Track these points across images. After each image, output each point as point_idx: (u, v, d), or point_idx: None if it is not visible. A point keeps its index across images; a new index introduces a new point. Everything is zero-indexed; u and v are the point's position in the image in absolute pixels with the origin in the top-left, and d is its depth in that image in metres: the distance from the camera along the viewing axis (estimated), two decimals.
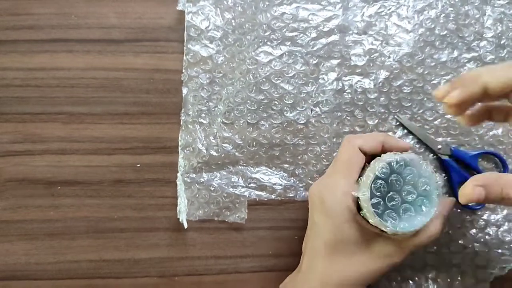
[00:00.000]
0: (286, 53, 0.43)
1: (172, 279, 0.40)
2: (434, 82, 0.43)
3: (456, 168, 0.41)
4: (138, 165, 0.41)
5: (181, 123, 0.42)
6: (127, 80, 0.42)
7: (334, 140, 0.42)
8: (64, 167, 0.41)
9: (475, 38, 0.43)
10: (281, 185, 0.42)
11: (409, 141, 0.43)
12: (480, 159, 0.42)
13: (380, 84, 0.43)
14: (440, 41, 0.43)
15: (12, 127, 0.41)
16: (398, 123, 0.43)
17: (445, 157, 0.42)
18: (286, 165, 0.42)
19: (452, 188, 0.42)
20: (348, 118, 0.42)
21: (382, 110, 0.43)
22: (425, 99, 0.43)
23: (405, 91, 0.43)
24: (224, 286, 0.40)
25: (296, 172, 0.42)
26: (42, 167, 0.41)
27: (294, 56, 0.43)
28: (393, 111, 0.43)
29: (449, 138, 0.43)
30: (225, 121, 0.42)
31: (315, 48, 0.43)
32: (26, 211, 0.40)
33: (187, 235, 0.41)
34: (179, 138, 0.42)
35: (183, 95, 0.42)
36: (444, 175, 0.42)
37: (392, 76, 0.43)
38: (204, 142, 0.42)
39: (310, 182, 0.42)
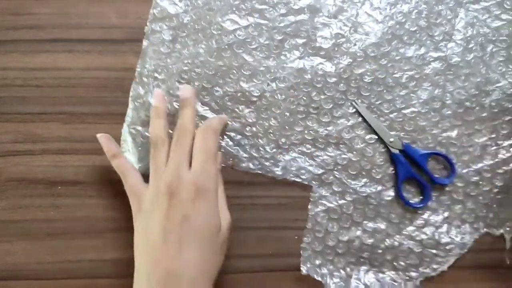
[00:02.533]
0: (253, 25, 0.43)
1: None
2: (396, 75, 0.43)
3: (404, 163, 0.41)
4: (139, 165, 0.41)
5: (136, 74, 0.42)
6: (127, 80, 0.42)
7: (286, 117, 0.42)
8: (65, 167, 0.41)
9: (443, 39, 0.43)
10: (223, 151, 0.41)
11: (362, 130, 0.42)
12: (429, 159, 0.42)
13: (342, 70, 0.43)
14: (408, 36, 0.43)
15: (13, 127, 0.41)
16: (354, 110, 0.42)
17: (395, 151, 0.41)
18: (233, 134, 0.42)
19: (396, 182, 0.41)
20: (304, 98, 0.42)
21: (339, 96, 0.42)
22: (384, 91, 0.43)
23: (365, 80, 0.43)
24: (224, 286, 0.40)
25: (242, 142, 0.42)
26: (42, 167, 0.41)
27: (260, 29, 0.43)
28: (351, 98, 0.42)
29: (403, 133, 0.42)
30: (180, 81, 0.42)
31: (282, 24, 0.43)
32: (26, 211, 0.40)
33: None
34: (131, 89, 0.42)
35: (143, 47, 0.42)
36: (391, 168, 0.42)
37: (355, 63, 0.43)
38: None
39: (254, 154, 0.41)
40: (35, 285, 0.39)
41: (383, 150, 0.42)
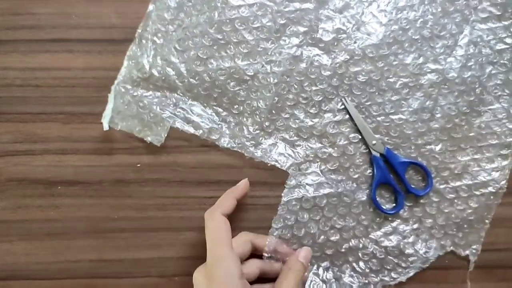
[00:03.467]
0: (258, 4, 0.43)
1: (172, 279, 0.41)
2: (391, 80, 0.43)
3: (382, 167, 0.41)
4: (138, 165, 0.41)
5: (136, 35, 0.42)
6: None
7: (274, 101, 0.42)
8: (64, 167, 0.41)
9: (444, 52, 0.43)
10: (208, 125, 0.41)
11: (347, 128, 0.42)
12: (409, 168, 0.42)
13: (338, 65, 0.43)
14: (409, 44, 0.43)
15: (13, 127, 0.41)
16: (342, 107, 0.42)
17: (376, 154, 0.41)
18: (220, 109, 0.42)
19: (372, 185, 0.41)
20: (295, 86, 0.42)
21: (331, 90, 0.42)
22: (376, 93, 0.42)
23: (359, 79, 0.42)
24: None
25: (227, 119, 0.42)
26: (42, 167, 0.41)
27: (265, 9, 0.43)
28: (341, 94, 0.42)
29: (387, 138, 0.42)
30: (178, 48, 0.42)
31: (287, 9, 0.43)
32: (26, 211, 0.40)
33: (187, 235, 0.41)
34: (129, 49, 0.42)
35: (148, 10, 0.42)
36: (369, 170, 0.42)
37: (352, 61, 0.43)
38: (151, 60, 0.42)
39: (238, 133, 0.41)
40: (35, 285, 0.40)
41: (364, 151, 0.42)
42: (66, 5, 0.42)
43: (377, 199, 0.41)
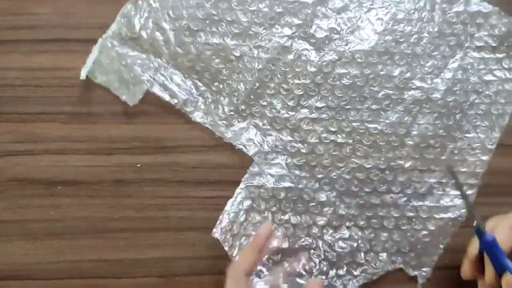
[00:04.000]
0: None
1: (172, 279, 0.41)
2: (374, 89, 0.43)
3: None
4: (138, 165, 0.41)
5: None
6: None
7: (255, 87, 0.42)
8: (64, 167, 0.41)
9: (432, 72, 0.43)
10: (184, 96, 0.41)
11: (320, 127, 0.42)
12: None
13: (324, 63, 0.42)
14: (400, 57, 0.43)
15: (13, 127, 0.41)
16: (321, 105, 0.42)
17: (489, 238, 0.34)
18: (200, 84, 0.42)
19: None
20: (279, 76, 0.42)
21: (312, 87, 0.42)
22: (357, 99, 0.42)
23: (343, 81, 0.42)
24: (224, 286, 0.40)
25: (205, 95, 0.42)
26: (42, 167, 0.41)
27: None
28: (323, 93, 0.42)
29: (358, 145, 0.42)
30: (171, 14, 0.42)
31: None
32: (26, 211, 0.40)
33: (187, 235, 0.41)
34: (124, 6, 0.42)
35: None
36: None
37: (339, 62, 0.43)
38: (142, 22, 0.42)
39: (213, 110, 0.41)
40: (35, 285, 0.40)
41: (333, 153, 0.42)
42: (66, 5, 0.42)
43: None
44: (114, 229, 0.41)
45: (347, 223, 0.42)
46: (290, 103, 0.42)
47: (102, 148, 0.41)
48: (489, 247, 0.33)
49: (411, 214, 0.42)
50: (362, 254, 0.41)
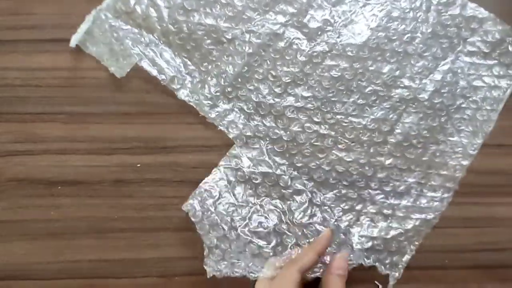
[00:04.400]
0: None
1: (172, 279, 0.40)
2: (362, 83, 0.43)
3: None
4: (138, 165, 0.41)
5: None
6: (127, 79, 0.42)
7: (244, 70, 0.42)
8: (64, 167, 0.41)
9: (422, 72, 0.43)
10: (172, 73, 0.42)
11: (304, 116, 0.42)
12: None
13: (315, 54, 0.43)
14: (391, 54, 0.43)
15: (13, 127, 0.41)
16: (307, 94, 0.42)
17: None
18: (189, 62, 0.42)
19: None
20: (268, 62, 0.43)
21: (301, 76, 0.42)
22: (344, 92, 0.42)
23: (331, 73, 0.43)
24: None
25: (192, 74, 0.42)
26: (42, 167, 0.41)
27: None
28: (310, 83, 0.42)
29: (340, 137, 0.42)
30: None
31: None
32: (26, 211, 0.40)
33: (187, 235, 0.41)
34: None
35: None
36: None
37: (330, 54, 0.43)
38: None
39: (199, 90, 0.42)
40: (35, 285, 0.40)
41: (315, 143, 0.42)
42: (66, 5, 0.43)
43: None
44: (114, 229, 0.41)
45: (322, 213, 0.41)
46: (277, 90, 0.42)
47: (102, 148, 0.41)
48: None
49: (387, 212, 0.42)
50: (337, 244, 0.41)
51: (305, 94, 0.42)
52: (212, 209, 0.40)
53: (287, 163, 0.42)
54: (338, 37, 0.43)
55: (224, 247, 0.40)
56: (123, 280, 0.40)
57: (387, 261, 0.42)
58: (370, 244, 0.42)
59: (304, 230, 0.41)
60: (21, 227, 0.40)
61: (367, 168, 0.42)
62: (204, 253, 0.39)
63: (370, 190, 0.42)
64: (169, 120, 0.42)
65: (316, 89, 0.42)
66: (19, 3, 0.42)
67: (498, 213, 0.42)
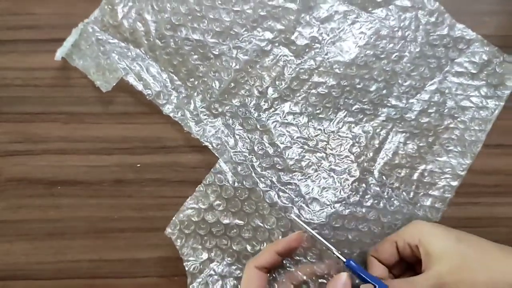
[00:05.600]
0: None
1: (172, 279, 0.40)
2: (350, 101, 0.42)
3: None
4: (138, 165, 0.41)
5: None
6: (127, 79, 0.42)
7: (230, 86, 0.42)
8: (64, 167, 0.41)
9: (409, 92, 0.43)
10: (158, 88, 0.41)
11: (292, 131, 0.42)
12: None
13: (302, 71, 0.42)
14: (378, 73, 0.43)
15: (12, 127, 0.41)
16: (293, 110, 0.42)
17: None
18: (175, 78, 0.42)
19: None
20: (255, 78, 0.42)
21: (288, 92, 0.42)
22: (331, 109, 0.42)
23: (319, 90, 0.42)
24: None
25: (179, 89, 0.42)
26: (42, 167, 0.41)
27: None
28: (299, 100, 0.42)
29: (324, 154, 0.42)
30: (154, 6, 0.42)
31: (270, 3, 0.43)
32: (26, 211, 0.41)
33: None
34: None
35: None
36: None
37: (317, 71, 0.43)
38: (126, 10, 0.42)
39: (184, 105, 0.41)
40: (35, 285, 0.40)
41: (297, 157, 0.41)
42: (66, 5, 0.43)
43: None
44: (114, 229, 0.40)
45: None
46: (264, 105, 0.42)
47: (102, 148, 0.41)
48: (352, 269, 0.35)
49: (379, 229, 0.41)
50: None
51: (292, 110, 0.42)
52: (197, 231, 0.39)
53: (274, 179, 0.41)
54: (326, 54, 0.43)
55: (208, 271, 0.39)
56: (123, 280, 0.40)
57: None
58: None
59: None
60: (21, 227, 0.40)
61: (357, 184, 0.41)
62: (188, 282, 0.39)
63: (363, 209, 0.41)
64: (169, 120, 0.41)
65: (303, 105, 0.42)
66: (19, 3, 0.43)
67: (498, 213, 0.42)
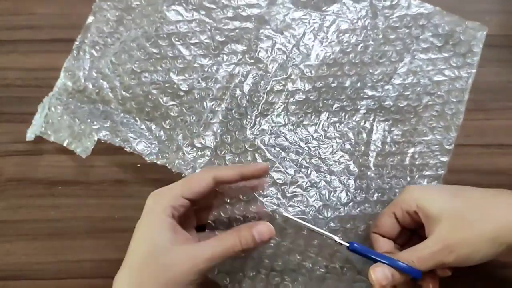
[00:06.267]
0: (197, 20, 0.43)
1: None
2: (329, 102, 0.42)
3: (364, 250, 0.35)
4: (138, 165, 0.41)
5: (74, 47, 0.42)
6: None
7: (208, 118, 0.42)
8: (65, 167, 0.41)
9: (382, 79, 0.43)
10: (137, 139, 0.41)
11: (279, 143, 0.42)
12: None
13: (275, 82, 0.43)
14: (349, 67, 0.43)
15: (13, 127, 0.41)
16: (280, 124, 0.42)
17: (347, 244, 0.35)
18: (152, 124, 0.42)
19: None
20: (231, 103, 0.42)
21: (266, 107, 0.42)
22: (312, 113, 0.42)
23: (296, 97, 0.42)
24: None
25: (157, 134, 0.42)
26: (42, 167, 0.41)
27: (204, 26, 0.43)
28: (279, 111, 0.42)
29: (316, 161, 0.42)
30: (113, 61, 0.42)
31: (226, 27, 0.43)
32: (26, 211, 0.40)
33: None
34: (66, 60, 0.42)
35: (87, 22, 0.43)
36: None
37: (290, 80, 0.43)
38: (86, 73, 0.42)
39: (167, 148, 0.41)
40: (35, 285, 0.39)
41: (295, 166, 0.41)
42: (66, 5, 0.43)
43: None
44: (114, 229, 0.40)
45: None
46: (247, 126, 0.42)
47: (103, 148, 0.41)
48: (357, 252, 0.34)
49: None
50: None
51: (276, 122, 0.42)
52: None
53: (279, 194, 0.41)
54: (294, 61, 0.43)
55: None
56: None
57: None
58: None
59: None
60: (21, 227, 0.40)
61: (358, 182, 0.41)
62: None
63: (367, 205, 0.41)
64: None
65: (284, 116, 0.42)
66: (19, 3, 0.43)
67: None
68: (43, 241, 0.40)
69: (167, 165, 0.41)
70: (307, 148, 0.42)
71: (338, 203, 0.41)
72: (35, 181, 0.41)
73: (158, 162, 0.41)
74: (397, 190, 0.41)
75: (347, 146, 0.42)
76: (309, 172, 0.41)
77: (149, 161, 0.41)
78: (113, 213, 0.41)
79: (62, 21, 0.42)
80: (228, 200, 0.36)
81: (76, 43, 0.42)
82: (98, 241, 0.40)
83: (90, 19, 0.42)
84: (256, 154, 0.42)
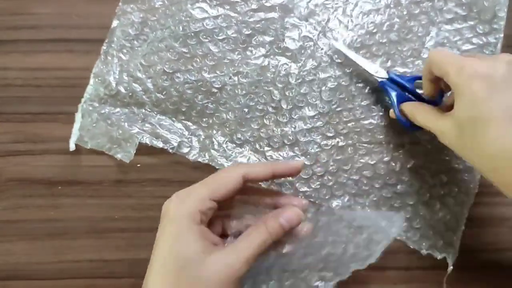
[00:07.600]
0: (222, 16, 0.42)
1: None
2: (360, 85, 0.42)
3: (395, 88, 0.39)
4: (138, 165, 0.41)
5: (102, 52, 0.42)
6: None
7: (244, 112, 0.42)
8: (65, 167, 0.41)
9: (411, 55, 0.43)
10: (177, 139, 0.41)
11: (318, 135, 0.42)
12: (416, 83, 0.39)
13: (306, 72, 0.42)
14: (377, 48, 0.43)
15: (13, 127, 0.41)
16: (312, 113, 0.42)
17: (383, 79, 0.40)
18: (189, 123, 0.42)
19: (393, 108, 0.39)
20: (265, 96, 0.42)
21: (300, 98, 0.42)
22: (346, 99, 0.42)
23: (328, 85, 0.42)
24: None
25: (197, 133, 0.41)
26: (42, 167, 0.41)
27: (230, 21, 0.42)
28: (311, 101, 0.42)
29: (358, 143, 0.42)
30: (143, 63, 0.42)
31: (251, 20, 0.43)
32: (27, 211, 0.40)
33: None
34: (95, 65, 0.42)
35: (112, 26, 0.42)
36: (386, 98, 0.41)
37: (320, 68, 0.43)
38: (117, 77, 0.41)
39: (208, 146, 0.41)
40: (35, 285, 0.39)
41: (337, 158, 0.42)
42: (66, 5, 0.43)
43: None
44: (114, 229, 0.40)
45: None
46: (282, 119, 0.42)
47: None
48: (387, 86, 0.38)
49: (427, 199, 0.41)
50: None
51: (310, 113, 0.42)
52: None
53: (318, 187, 0.41)
54: (322, 49, 0.43)
55: None
56: (123, 280, 0.40)
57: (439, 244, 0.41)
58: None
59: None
60: (22, 227, 0.40)
61: (393, 164, 0.42)
62: None
63: (403, 185, 0.41)
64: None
65: (319, 105, 0.42)
66: (19, 3, 0.42)
67: (500, 213, 0.42)
68: (43, 241, 0.40)
69: (210, 162, 0.41)
70: (342, 136, 0.42)
71: (366, 185, 0.41)
72: (35, 181, 0.40)
73: (201, 161, 0.41)
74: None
75: (381, 126, 0.42)
76: (338, 155, 0.42)
77: (192, 160, 0.41)
78: (113, 213, 0.40)
79: (62, 21, 0.42)
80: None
81: (103, 48, 0.42)
82: (98, 241, 0.40)
83: (115, 23, 0.42)
84: (295, 149, 0.41)
